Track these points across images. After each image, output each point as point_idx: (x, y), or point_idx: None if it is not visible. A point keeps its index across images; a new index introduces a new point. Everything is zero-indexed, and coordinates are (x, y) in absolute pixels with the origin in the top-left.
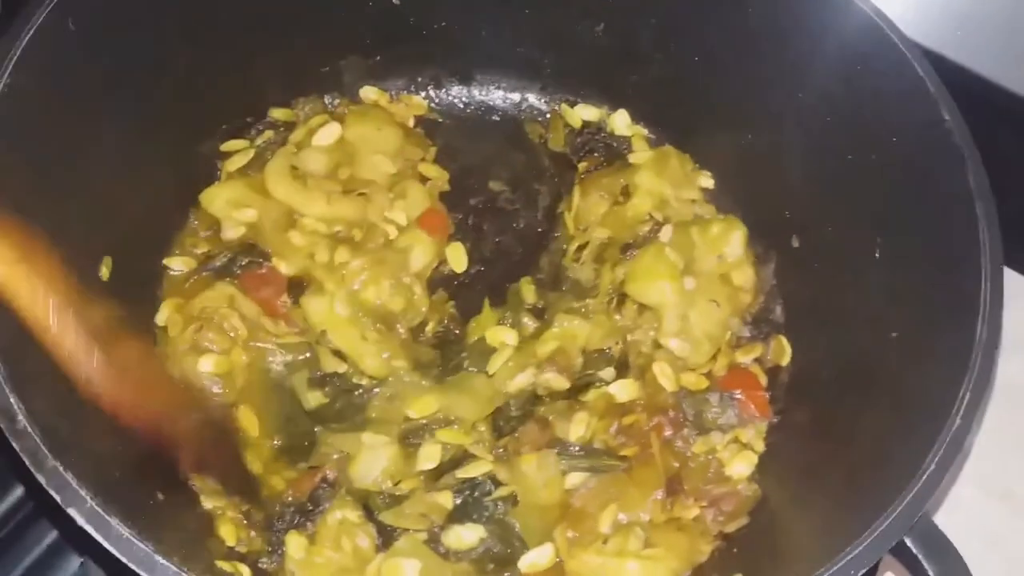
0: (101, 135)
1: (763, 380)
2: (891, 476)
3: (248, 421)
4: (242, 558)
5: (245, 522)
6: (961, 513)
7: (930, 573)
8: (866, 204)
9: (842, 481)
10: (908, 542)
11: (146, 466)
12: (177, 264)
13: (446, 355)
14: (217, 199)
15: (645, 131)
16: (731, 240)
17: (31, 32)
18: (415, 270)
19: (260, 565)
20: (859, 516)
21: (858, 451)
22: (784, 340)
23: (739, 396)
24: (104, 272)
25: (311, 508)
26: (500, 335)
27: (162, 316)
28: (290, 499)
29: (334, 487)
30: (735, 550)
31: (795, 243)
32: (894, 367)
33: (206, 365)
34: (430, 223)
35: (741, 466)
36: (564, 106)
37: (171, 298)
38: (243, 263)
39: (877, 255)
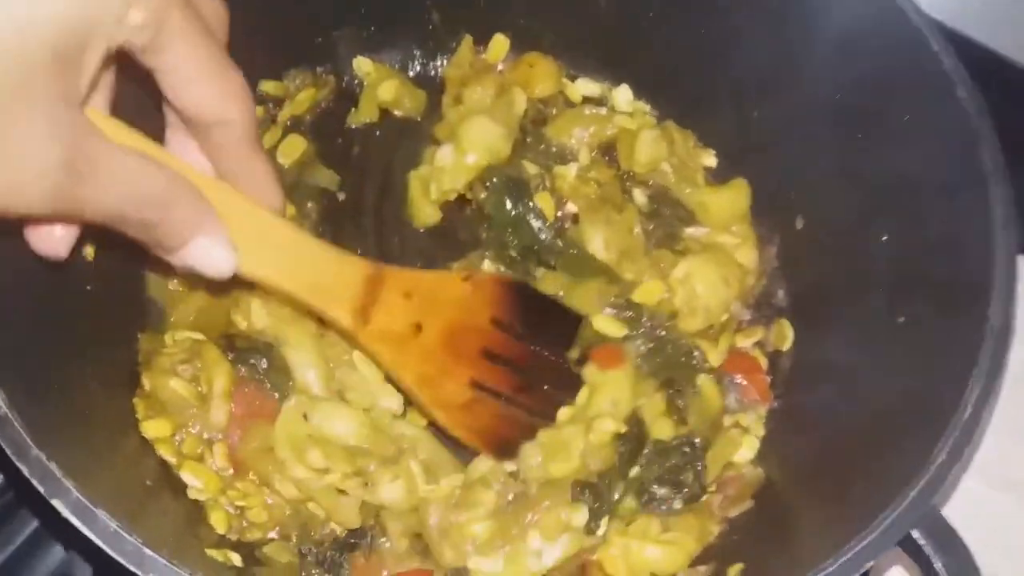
0: None
1: (764, 364)
2: (899, 466)
3: None
4: (234, 546)
5: (238, 513)
6: (963, 502)
7: (936, 565)
8: (875, 185)
9: (847, 471)
10: (915, 533)
11: (133, 453)
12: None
13: None
14: None
15: (647, 107)
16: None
17: None
18: None
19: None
20: (866, 507)
21: (863, 440)
22: (786, 324)
23: (740, 380)
24: (89, 252)
25: None
26: None
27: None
28: None
29: None
30: (735, 537)
31: (799, 224)
32: (900, 355)
33: (179, 387)
34: None
35: (743, 450)
36: (565, 80)
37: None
38: (250, 361)
39: (885, 238)
